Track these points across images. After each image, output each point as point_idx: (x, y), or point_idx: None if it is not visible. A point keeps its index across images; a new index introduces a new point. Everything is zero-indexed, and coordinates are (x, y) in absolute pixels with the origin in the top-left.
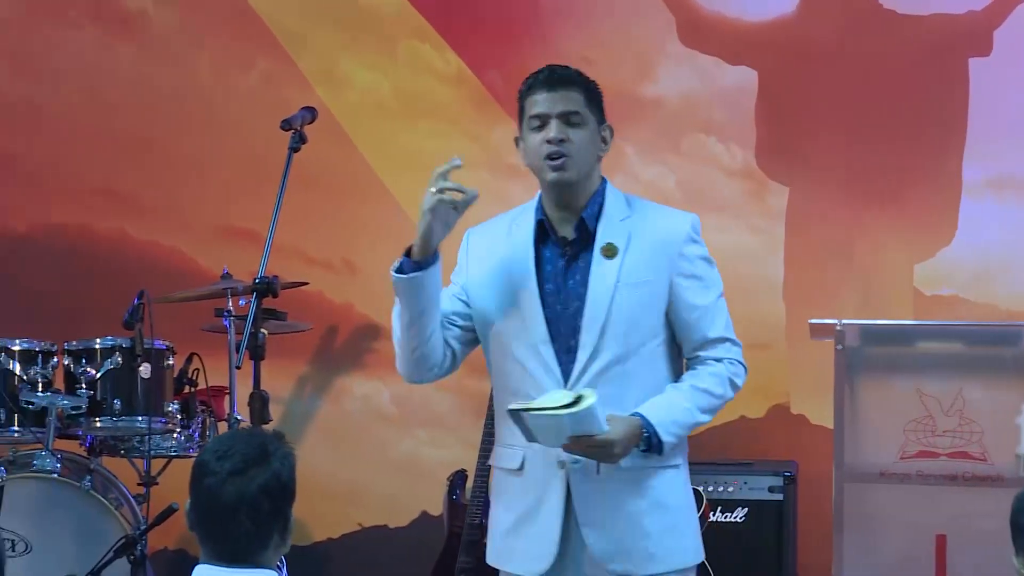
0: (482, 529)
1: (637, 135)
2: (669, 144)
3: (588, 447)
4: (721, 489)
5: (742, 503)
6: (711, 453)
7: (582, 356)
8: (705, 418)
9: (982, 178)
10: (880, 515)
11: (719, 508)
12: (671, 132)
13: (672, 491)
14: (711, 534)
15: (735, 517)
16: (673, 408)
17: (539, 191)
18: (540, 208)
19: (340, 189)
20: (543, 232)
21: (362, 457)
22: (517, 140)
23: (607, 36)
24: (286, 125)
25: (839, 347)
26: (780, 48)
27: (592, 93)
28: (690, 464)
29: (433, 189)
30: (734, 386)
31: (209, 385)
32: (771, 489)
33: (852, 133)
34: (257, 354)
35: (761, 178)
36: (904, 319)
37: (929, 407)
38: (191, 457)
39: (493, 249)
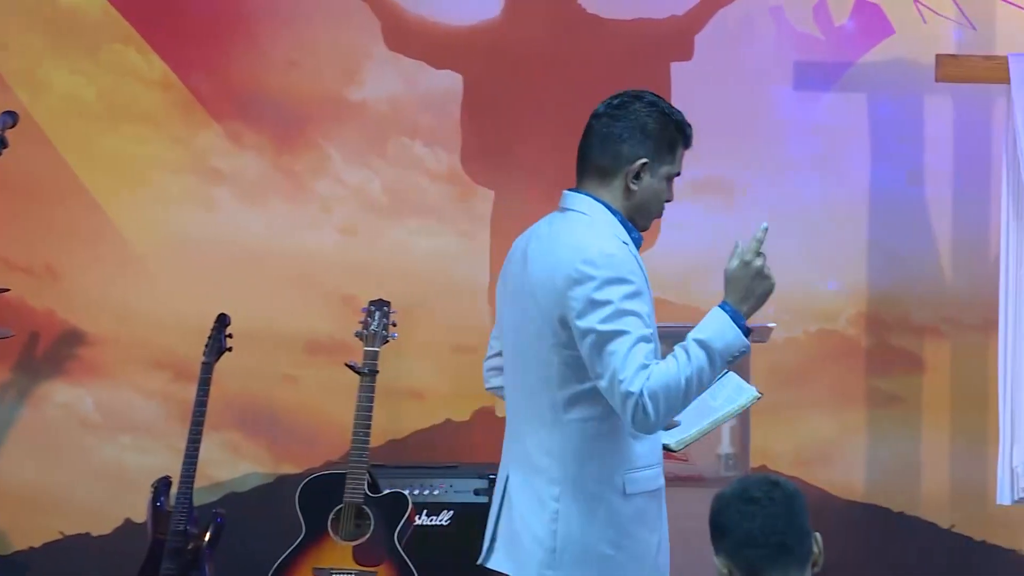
0: (186, 536)
1: (342, 139)
2: (375, 148)
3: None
4: (427, 492)
5: (448, 506)
6: (416, 456)
7: None
8: None
9: (683, 181)
10: None
11: (424, 511)
12: (377, 136)
13: None
14: (417, 537)
15: (440, 520)
16: None
17: (603, 208)
18: (631, 227)
19: (41, 194)
20: None
21: (64, 464)
22: (646, 164)
23: (313, 39)
24: None
25: None
26: (485, 52)
27: None
28: (394, 468)
29: (769, 274)
30: None
31: None
32: (476, 491)
33: (557, 137)
34: None
35: (467, 182)
36: None
37: None
38: None
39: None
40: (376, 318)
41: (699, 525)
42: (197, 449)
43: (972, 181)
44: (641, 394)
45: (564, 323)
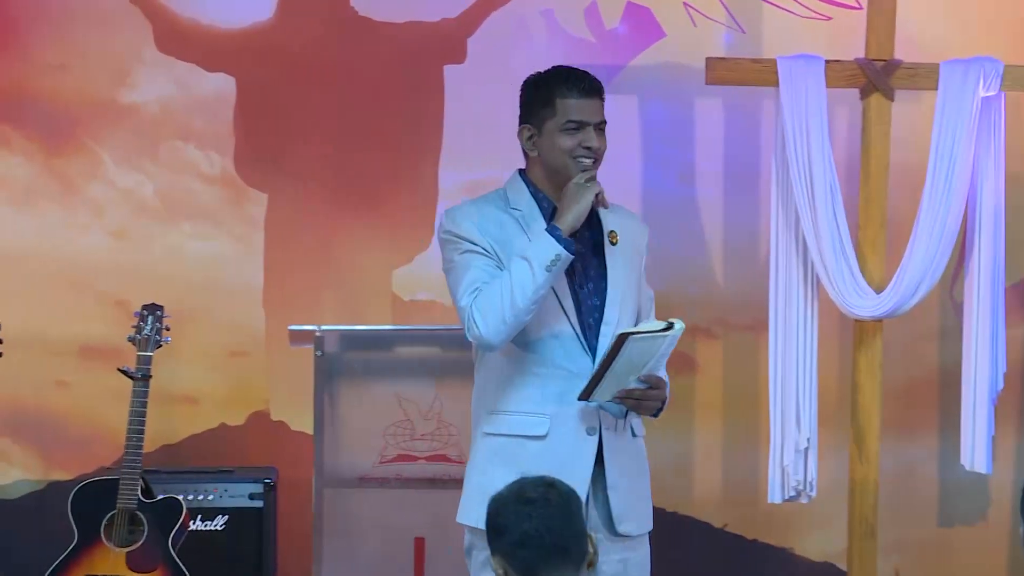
0: None
1: (114, 143)
2: (147, 152)
3: (648, 390)
4: (201, 497)
5: (222, 511)
6: (190, 461)
7: (607, 331)
8: None
9: (457, 183)
10: (360, 519)
11: (199, 516)
12: (149, 140)
13: (647, 460)
14: (191, 543)
15: (215, 525)
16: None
17: (517, 177)
18: (545, 197)
19: None
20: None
21: None
22: (525, 129)
23: (82, 42)
24: None
25: (318, 353)
26: (258, 55)
27: None
28: (168, 473)
29: (591, 184)
30: None
31: None
32: (251, 496)
33: (331, 140)
34: None
35: (240, 185)
36: (383, 324)
37: (408, 411)
38: None
39: (505, 228)
40: (149, 322)
41: None
42: None
43: (742, 183)
44: (470, 307)
45: None
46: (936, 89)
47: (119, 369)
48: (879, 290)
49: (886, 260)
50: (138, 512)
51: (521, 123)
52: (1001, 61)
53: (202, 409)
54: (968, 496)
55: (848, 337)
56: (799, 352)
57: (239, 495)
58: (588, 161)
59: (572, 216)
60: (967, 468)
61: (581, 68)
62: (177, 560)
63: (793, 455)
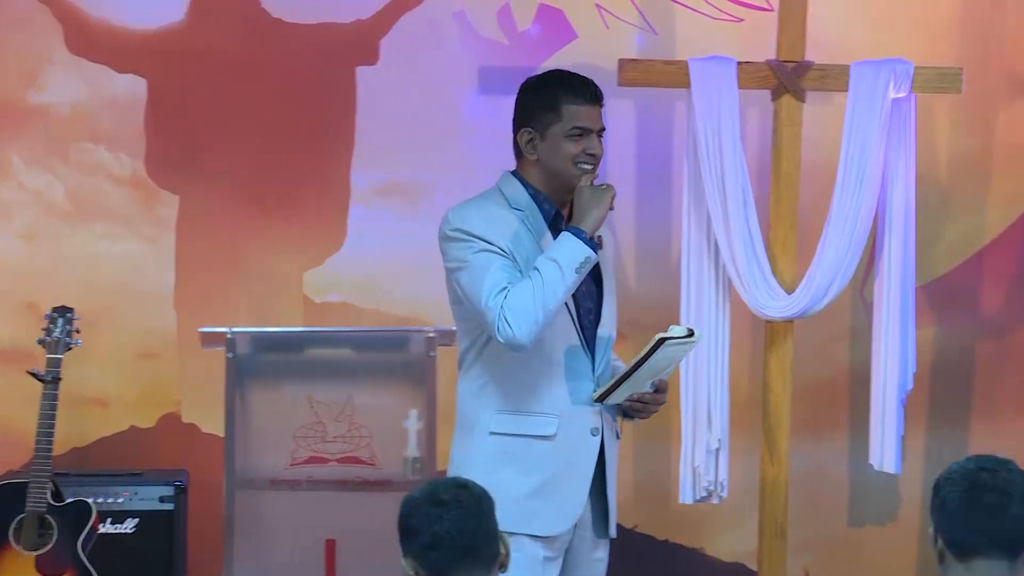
0: None
1: (23, 144)
2: (56, 153)
3: (660, 391)
4: (111, 500)
5: (132, 514)
6: (100, 463)
7: (603, 333)
8: None
9: (370, 185)
10: (271, 521)
11: (109, 519)
12: (59, 141)
13: None
14: (101, 546)
15: (125, 528)
16: None
17: (512, 178)
18: (546, 199)
19: None
20: (554, 221)
21: None
22: (525, 131)
23: None
24: None
25: (230, 355)
26: (170, 56)
27: None
28: (77, 476)
29: (606, 187)
30: None
31: None
32: (162, 499)
33: (244, 141)
34: None
35: (151, 187)
36: (295, 326)
37: (320, 413)
38: None
39: (514, 228)
40: (59, 325)
41: (388, 527)
42: None
43: (654, 184)
44: (502, 309)
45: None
46: (847, 90)
47: (28, 372)
48: (790, 291)
49: (797, 260)
50: (47, 515)
51: (521, 126)
52: (911, 63)
53: (112, 412)
54: (877, 496)
55: (760, 338)
56: (711, 353)
57: (149, 498)
58: (588, 167)
59: (594, 219)
60: (876, 468)
61: (496, 68)
62: (86, 563)
63: (704, 455)
